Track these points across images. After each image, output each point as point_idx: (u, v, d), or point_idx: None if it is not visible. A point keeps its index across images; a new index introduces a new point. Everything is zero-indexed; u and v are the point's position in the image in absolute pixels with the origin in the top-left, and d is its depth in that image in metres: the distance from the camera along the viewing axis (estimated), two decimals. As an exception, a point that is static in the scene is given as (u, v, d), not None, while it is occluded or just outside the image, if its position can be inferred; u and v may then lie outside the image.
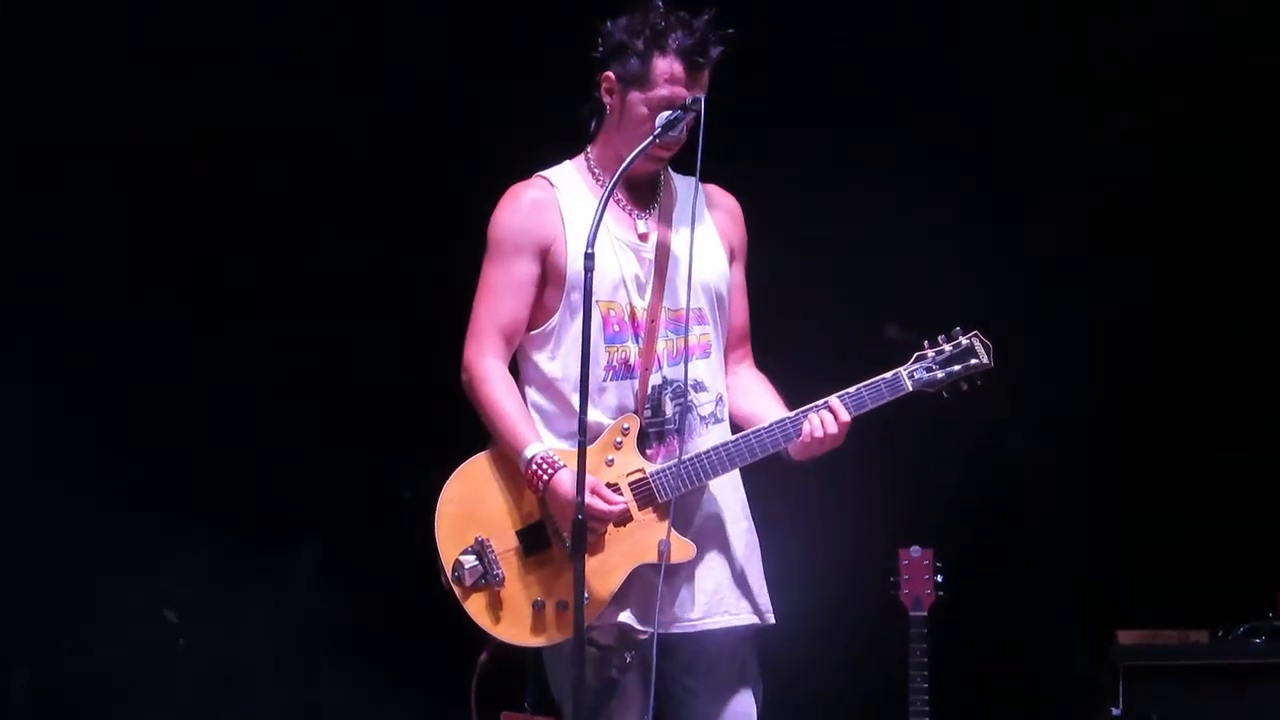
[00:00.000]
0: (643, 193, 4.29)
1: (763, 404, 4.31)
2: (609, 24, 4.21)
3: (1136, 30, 6.13)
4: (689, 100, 4.12)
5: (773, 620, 4.31)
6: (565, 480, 4.07)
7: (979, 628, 6.03)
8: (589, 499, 4.01)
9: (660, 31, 4.14)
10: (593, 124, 4.29)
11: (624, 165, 4.09)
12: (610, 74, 4.21)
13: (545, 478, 4.10)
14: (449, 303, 4.43)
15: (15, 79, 6.19)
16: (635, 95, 4.17)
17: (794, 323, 5.89)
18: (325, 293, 6.46)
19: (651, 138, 4.12)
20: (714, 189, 4.38)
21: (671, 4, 4.18)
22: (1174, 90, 6.12)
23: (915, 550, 5.03)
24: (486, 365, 4.20)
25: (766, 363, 4.46)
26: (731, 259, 4.36)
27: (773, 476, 4.34)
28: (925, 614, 4.99)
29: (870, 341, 4.89)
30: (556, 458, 4.11)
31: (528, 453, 4.12)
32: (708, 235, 4.30)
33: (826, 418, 4.13)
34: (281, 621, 6.59)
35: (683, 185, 4.32)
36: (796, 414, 4.17)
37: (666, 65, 4.14)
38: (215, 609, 6.46)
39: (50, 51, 6.23)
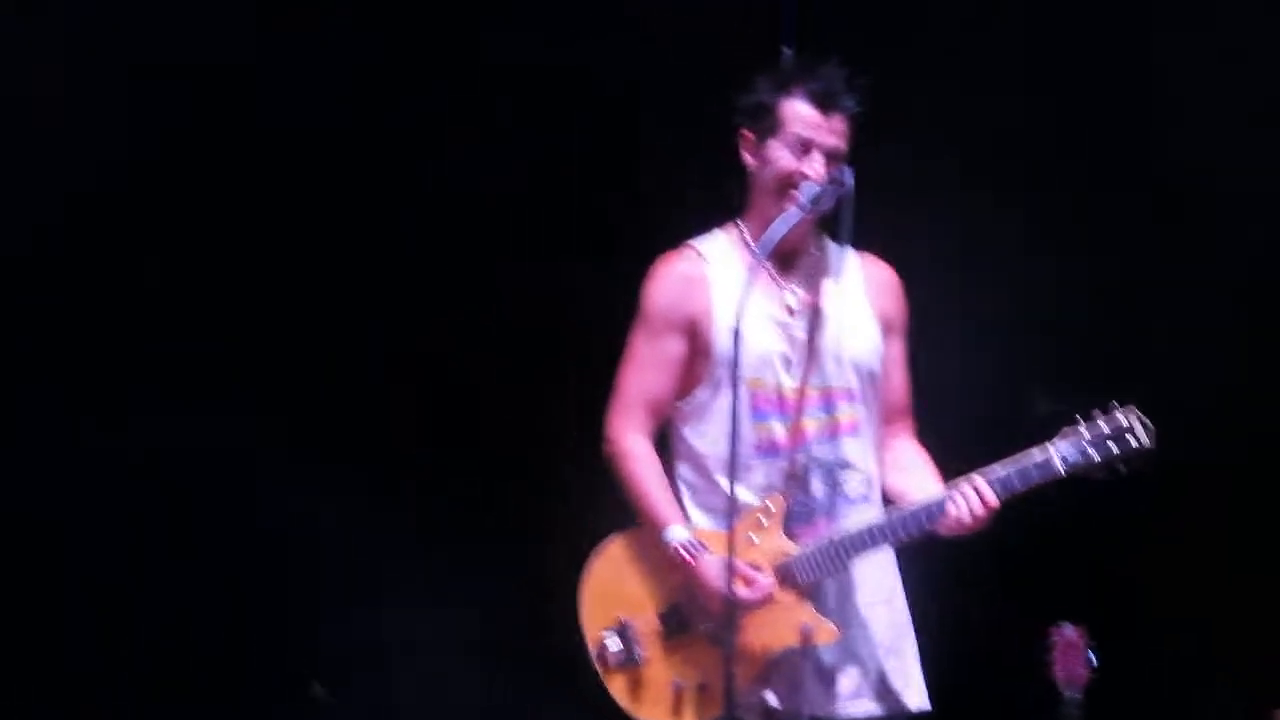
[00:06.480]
0: (793, 263, 4.23)
1: (916, 481, 4.21)
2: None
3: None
4: (836, 173, 4.08)
5: (926, 706, 4.23)
6: (709, 564, 4.05)
7: (1126, 707, 5.87)
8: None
9: (785, 77, 4.18)
10: (741, 193, 4.26)
11: (770, 243, 4.05)
12: (745, 131, 4.21)
13: (690, 562, 4.07)
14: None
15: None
16: (772, 143, 4.16)
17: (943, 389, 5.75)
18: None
19: (797, 212, 4.08)
20: (869, 259, 4.30)
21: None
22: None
23: (1068, 629, 4.91)
24: (631, 441, 4.20)
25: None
26: (887, 333, 4.27)
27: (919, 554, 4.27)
28: (1079, 695, 4.88)
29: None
30: (699, 542, 4.08)
31: (670, 536, 4.11)
32: (860, 310, 4.23)
33: (974, 501, 4.02)
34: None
35: (836, 255, 4.25)
36: (941, 497, 4.06)
37: (794, 107, 4.14)
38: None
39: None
